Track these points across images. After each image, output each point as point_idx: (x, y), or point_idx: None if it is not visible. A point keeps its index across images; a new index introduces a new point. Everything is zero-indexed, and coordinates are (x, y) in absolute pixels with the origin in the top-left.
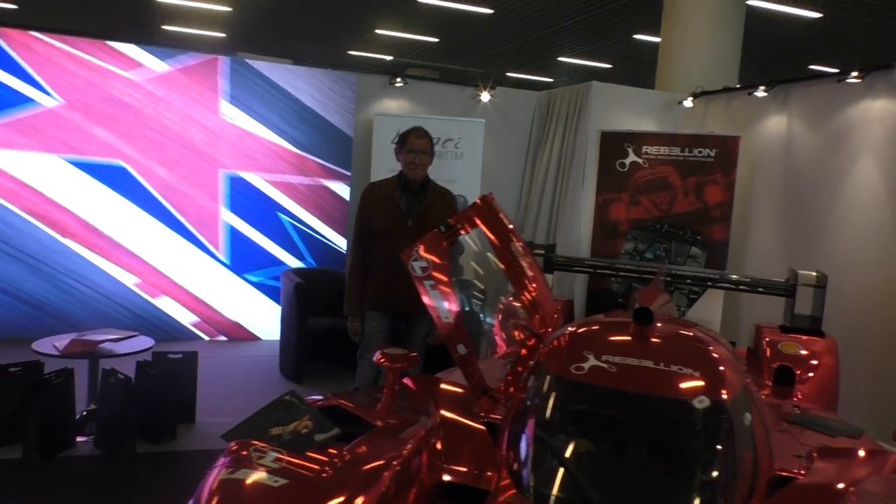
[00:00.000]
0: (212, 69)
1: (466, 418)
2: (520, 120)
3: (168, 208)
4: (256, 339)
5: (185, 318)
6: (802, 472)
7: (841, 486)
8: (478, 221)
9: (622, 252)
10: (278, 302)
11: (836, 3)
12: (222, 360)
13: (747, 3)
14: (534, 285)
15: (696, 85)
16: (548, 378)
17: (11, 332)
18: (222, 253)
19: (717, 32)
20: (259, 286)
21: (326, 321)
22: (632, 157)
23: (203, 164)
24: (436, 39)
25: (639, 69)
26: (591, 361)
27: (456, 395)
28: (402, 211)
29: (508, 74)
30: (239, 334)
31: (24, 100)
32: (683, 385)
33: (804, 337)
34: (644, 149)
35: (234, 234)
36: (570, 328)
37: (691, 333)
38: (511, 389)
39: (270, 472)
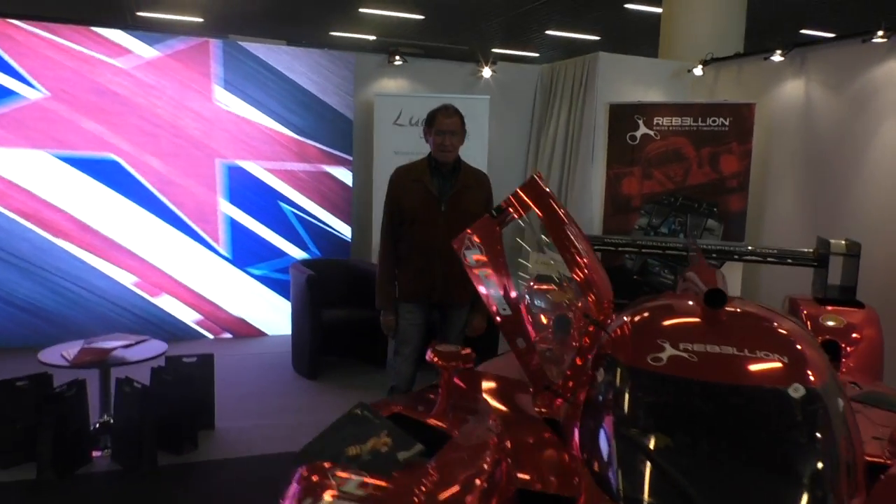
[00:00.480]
0: (203, 53)
1: (527, 417)
2: (522, 95)
3: (164, 202)
4: (263, 334)
5: (188, 316)
6: (890, 458)
7: None
8: (530, 203)
9: (636, 227)
10: (284, 295)
11: None
12: (231, 359)
13: None
14: (589, 269)
15: (701, 53)
16: (621, 370)
17: (6, 340)
18: (223, 247)
19: (719, 1)
20: (263, 279)
21: (341, 314)
22: (643, 130)
23: (199, 155)
24: (421, 17)
25: (628, 41)
26: (669, 351)
27: (510, 391)
28: (434, 195)
29: (494, 51)
30: (244, 331)
31: (7, 93)
32: (774, 372)
33: (844, 308)
34: (655, 120)
35: (235, 227)
36: (635, 314)
37: (768, 315)
38: (571, 384)
39: (358, 501)
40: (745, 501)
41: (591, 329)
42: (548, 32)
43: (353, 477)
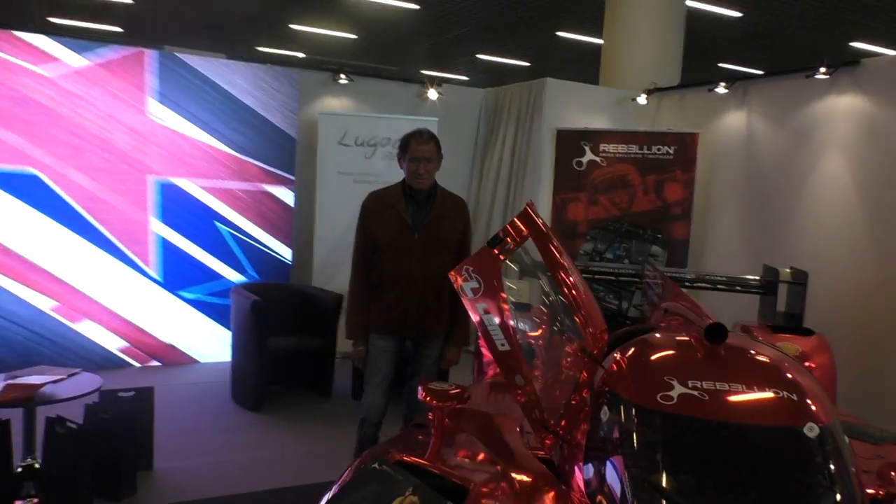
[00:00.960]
0: (137, 64)
1: (524, 459)
2: (466, 118)
3: (89, 221)
4: (194, 361)
5: (112, 343)
6: (881, 490)
7: None
8: (526, 232)
9: (581, 252)
10: (219, 320)
11: (757, 3)
12: (164, 389)
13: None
14: (584, 300)
15: (641, 81)
16: (629, 409)
17: None
18: (153, 269)
19: (660, 31)
20: (196, 304)
21: (287, 341)
22: (589, 156)
23: (130, 171)
24: (354, 36)
25: (558, 67)
26: (678, 389)
27: (497, 429)
28: (408, 224)
29: (423, 72)
30: (174, 358)
31: None
32: (788, 411)
33: (796, 336)
34: (602, 147)
35: (167, 248)
36: (636, 349)
37: (767, 351)
38: (568, 423)
39: None
40: None
41: (588, 364)
42: (478, 56)
43: None
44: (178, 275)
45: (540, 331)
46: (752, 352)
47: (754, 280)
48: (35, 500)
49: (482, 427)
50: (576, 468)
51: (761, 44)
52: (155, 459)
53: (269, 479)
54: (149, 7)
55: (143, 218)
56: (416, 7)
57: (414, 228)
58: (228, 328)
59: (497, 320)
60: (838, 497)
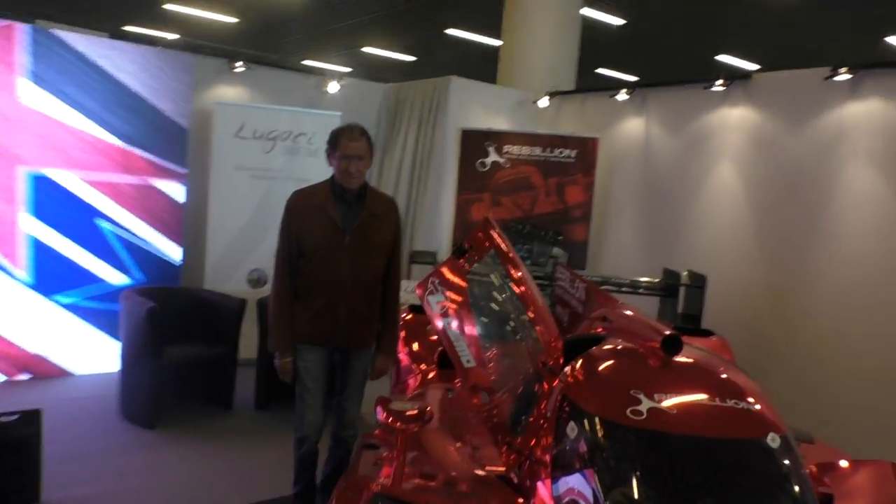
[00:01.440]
0: (6, 39)
1: (487, 480)
2: (367, 114)
3: None
4: (68, 374)
5: None
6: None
7: None
8: (488, 245)
9: None
10: (100, 327)
11: (640, 12)
12: (40, 406)
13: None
14: (541, 311)
15: (538, 84)
16: (598, 425)
17: None
18: (23, 270)
19: (557, 35)
20: (73, 309)
21: (184, 351)
22: (493, 157)
23: None
24: (235, 20)
25: (445, 64)
26: (646, 403)
27: (451, 447)
28: (337, 225)
29: (304, 62)
30: (46, 370)
31: None
32: (751, 423)
33: (697, 337)
34: (505, 148)
35: (40, 247)
36: (595, 362)
37: (716, 361)
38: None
39: None
40: None
41: (547, 377)
42: (363, 49)
43: None
44: (52, 277)
45: (506, 345)
46: (705, 363)
47: (656, 282)
48: None
49: (436, 447)
50: (540, 485)
51: (637, 52)
52: (43, 490)
53: None
54: None
55: (11, 213)
56: None
57: (345, 231)
58: (112, 335)
59: (464, 335)
60: (801, 499)
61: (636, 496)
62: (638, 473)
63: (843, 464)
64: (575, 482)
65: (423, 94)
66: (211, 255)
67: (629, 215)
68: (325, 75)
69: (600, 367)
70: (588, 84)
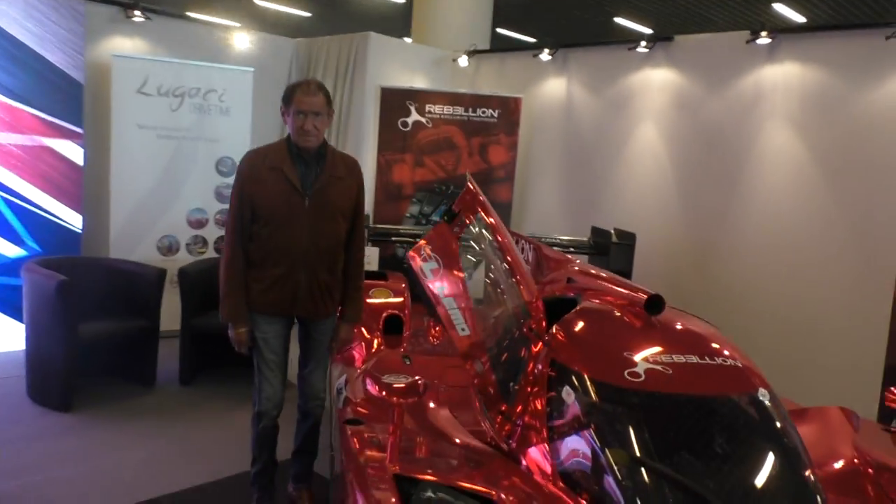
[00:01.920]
0: None
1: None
2: (277, 70)
3: None
4: None
5: None
6: None
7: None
8: (477, 206)
9: (407, 215)
10: None
11: None
12: None
13: None
14: (524, 274)
15: (454, 43)
16: (597, 389)
17: None
18: None
19: None
20: None
21: (102, 326)
22: (415, 116)
23: None
24: None
25: (340, 20)
26: (643, 365)
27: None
28: (296, 188)
29: (188, 14)
30: None
31: None
32: (742, 379)
33: None
34: (427, 107)
35: None
36: (582, 324)
37: (692, 318)
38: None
39: None
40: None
41: (533, 340)
42: (256, 2)
43: None
44: None
45: (494, 309)
46: (686, 322)
47: (585, 241)
48: None
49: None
50: (535, 450)
51: (535, 13)
52: None
53: (110, 497)
54: None
55: None
56: None
57: (303, 193)
58: (6, 312)
59: (456, 302)
60: (798, 447)
61: (639, 457)
62: (641, 435)
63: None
64: (574, 446)
65: (339, 51)
66: (115, 222)
67: (553, 175)
68: (230, 29)
69: (589, 330)
70: (497, 44)
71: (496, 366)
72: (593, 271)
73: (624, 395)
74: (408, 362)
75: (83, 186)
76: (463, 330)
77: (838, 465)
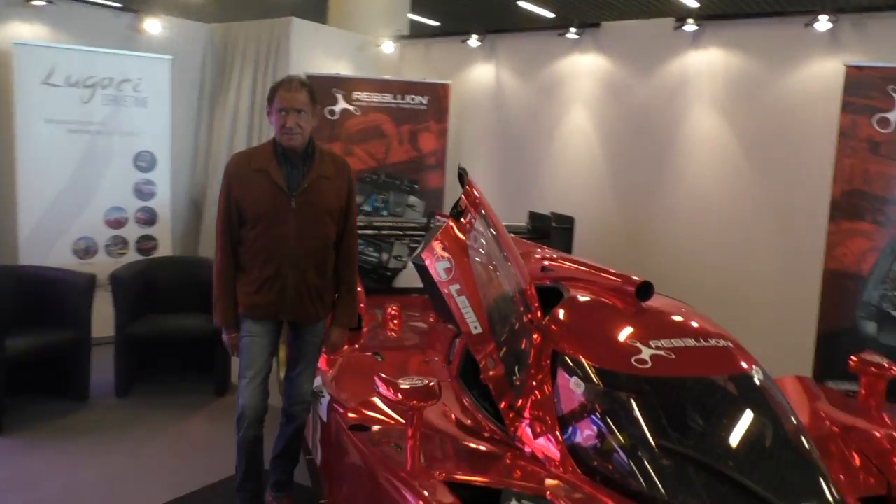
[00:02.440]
0: None
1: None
2: (191, 57)
3: None
4: None
5: None
6: None
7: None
8: (479, 200)
9: None
10: None
11: None
12: None
13: None
14: (520, 266)
15: (371, 30)
16: (606, 378)
17: None
18: None
19: None
20: None
21: (27, 341)
22: (342, 104)
23: None
24: None
25: (238, 2)
26: (647, 351)
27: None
28: (282, 189)
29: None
30: None
31: None
32: (737, 359)
33: None
34: (355, 95)
35: None
36: (580, 313)
37: (677, 302)
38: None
39: None
40: (771, 477)
41: (533, 332)
42: None
43: None
44: None
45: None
46: (675, 307)
47: (523, 226)
48: None
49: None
50: (544, 441)
51: None
52: None
53: None
54: None
55: None
56: None
57: (290, 194)
58: None
59: (468, 301)
60: (793, 420)
61: (651, 441)
62: (655, 418)
63: None
64: (585, 435)
65: (259, 37)
66: (24, 225)
67: (484, 161)
68: (139, 14)
69: (588, 319)
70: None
71: (505, 359)
72: (562, 257)
73: (636, 383)
74: (380, 359)
75: None
76: (476, 328)
77: (813, 429)
